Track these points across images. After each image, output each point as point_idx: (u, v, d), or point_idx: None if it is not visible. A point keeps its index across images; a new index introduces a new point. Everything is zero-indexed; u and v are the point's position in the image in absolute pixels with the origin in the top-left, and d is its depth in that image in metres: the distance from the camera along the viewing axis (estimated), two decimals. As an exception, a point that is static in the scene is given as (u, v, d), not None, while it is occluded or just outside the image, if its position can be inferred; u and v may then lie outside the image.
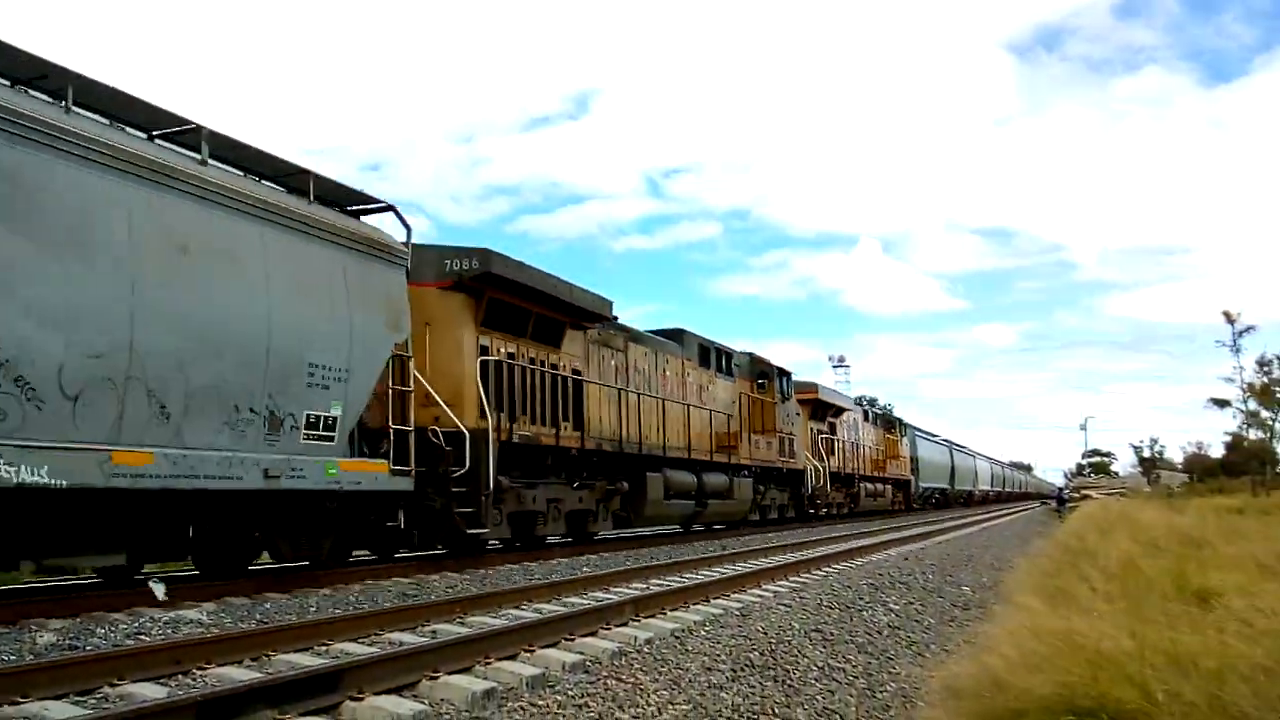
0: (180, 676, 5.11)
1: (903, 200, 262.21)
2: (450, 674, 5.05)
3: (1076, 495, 58.64)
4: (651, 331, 18.38)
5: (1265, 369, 51.88)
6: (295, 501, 8.98)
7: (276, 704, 4.20)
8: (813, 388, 28.33)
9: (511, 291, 12.69)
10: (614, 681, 5.13)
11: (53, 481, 6.52)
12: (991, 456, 75.46)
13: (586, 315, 14.62)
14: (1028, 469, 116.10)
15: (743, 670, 5.63)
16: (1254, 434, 56.18)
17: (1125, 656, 3.86)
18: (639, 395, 16.15)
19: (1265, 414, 52.95)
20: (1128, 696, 3.46)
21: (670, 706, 4.78)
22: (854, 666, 6.08)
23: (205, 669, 5.22)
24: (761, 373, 22.87)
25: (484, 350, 12.20)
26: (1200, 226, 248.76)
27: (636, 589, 8.93)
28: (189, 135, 8.24)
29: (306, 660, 5.55)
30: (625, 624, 6.91)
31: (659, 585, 9.27)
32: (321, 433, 8.89)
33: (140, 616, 7.06)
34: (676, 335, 19.23)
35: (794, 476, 24.55)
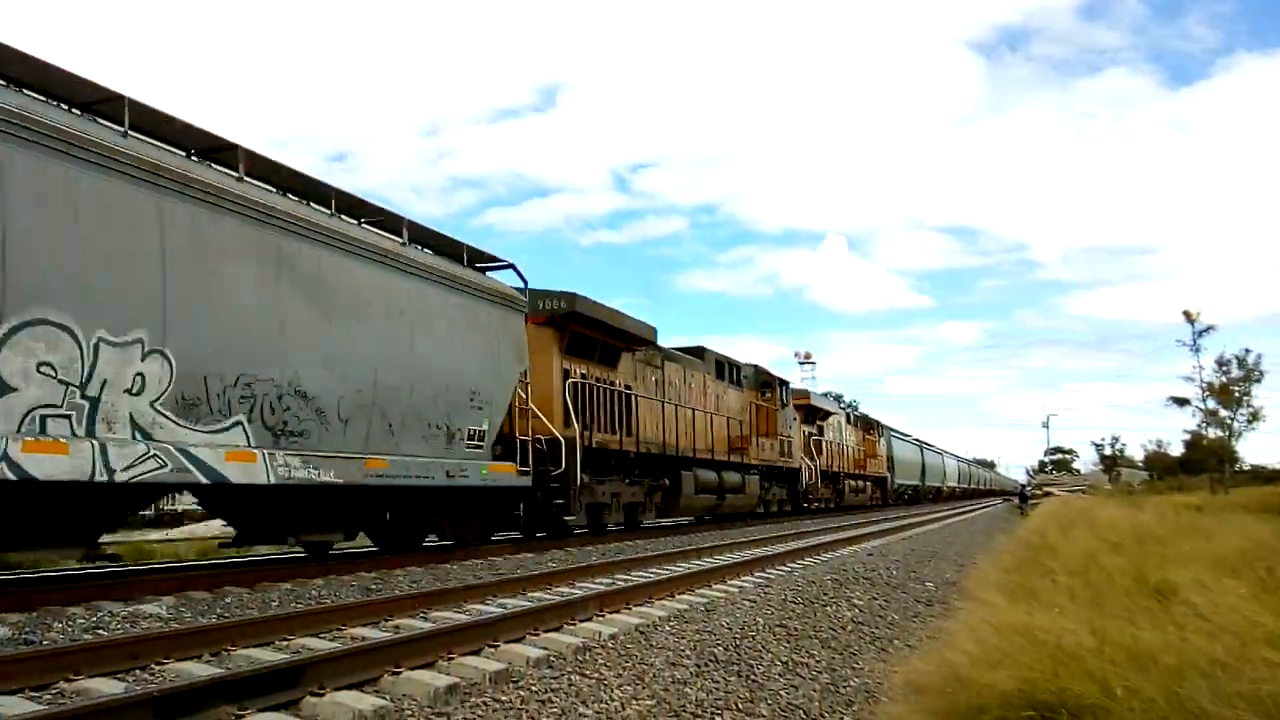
0: (138, 672, 5.02)
1: (868, 198, 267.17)
2: (413, 669, 4.99)
3: (1039, 492, 61.22)
4: (677, 349, 21.45)
5: (1224, 368, 52.21)
6: (460, 495, 11.93)
7: (236, 700, 4.16)
8: (805, 394, 31.81)
9: (586, 325, 15.72)
10: (578, 676, 5.12)
11: (338, 480, 9.41)
12: (957, 454, 78.41)
13: (636, 340, 17.65)
14: (991, 466, 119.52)
15: (707, 665, 5.62)
16: (1213, 432, 55.76)
17: (1086, 652, 3.87)
18: (675, 406, 19.21)
19: (1224, 413, 53.03)
20: (1088, 692, 3.47)
21: (634, 702, 4.76)
22: (817, 662, 6.10)
23: (164, 664, 5.12)
24: (765, 382, 26.09)
25: (567, 373, 15.19)
26: (1162, 227, 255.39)
27: (602, 584, 9.07)
28: (390, 220, 11.09)
29: (267, 655, 5.45)
30: (590, 619, 6.91)
31: (624, 580, 9.42)
32: (477, 443, 11.81)
33: (98, 611, 7.07)
34: (698, 352, 22.41)
35: (791, 474, 27.74)
